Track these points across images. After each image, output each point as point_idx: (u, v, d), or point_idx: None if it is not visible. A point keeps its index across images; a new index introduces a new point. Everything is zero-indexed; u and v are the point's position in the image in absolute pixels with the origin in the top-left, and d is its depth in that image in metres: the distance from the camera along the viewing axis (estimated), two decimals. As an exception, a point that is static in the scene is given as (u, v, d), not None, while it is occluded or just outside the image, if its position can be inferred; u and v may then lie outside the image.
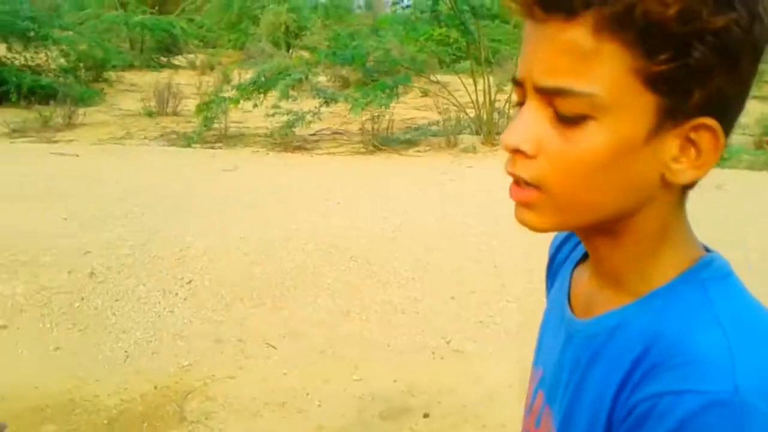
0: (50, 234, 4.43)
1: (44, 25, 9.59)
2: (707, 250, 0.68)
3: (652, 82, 0.56)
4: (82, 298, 3.70)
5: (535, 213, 0.62)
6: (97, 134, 7.47)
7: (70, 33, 10.60)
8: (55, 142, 7.00)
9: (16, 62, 9.47)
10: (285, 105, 7.46)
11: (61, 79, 9.26)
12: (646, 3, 0.53)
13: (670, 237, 0.64)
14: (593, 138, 0.58)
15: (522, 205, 0.62)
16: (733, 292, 0.63)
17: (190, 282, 3.95)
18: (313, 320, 3.60)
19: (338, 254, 4.26)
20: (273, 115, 7.40)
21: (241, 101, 7.30)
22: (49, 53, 9.86)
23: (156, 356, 3.26)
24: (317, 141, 7.71)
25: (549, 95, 0.58)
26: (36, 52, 9.73)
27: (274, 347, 3.39)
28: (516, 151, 0.60)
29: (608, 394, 0.62)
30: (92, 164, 6.20)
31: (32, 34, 9.43)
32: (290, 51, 15.42)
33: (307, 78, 8.01)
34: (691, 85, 0.56)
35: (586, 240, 0.69)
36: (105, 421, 2.79)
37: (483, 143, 8.06)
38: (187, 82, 10.34)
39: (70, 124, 7.71)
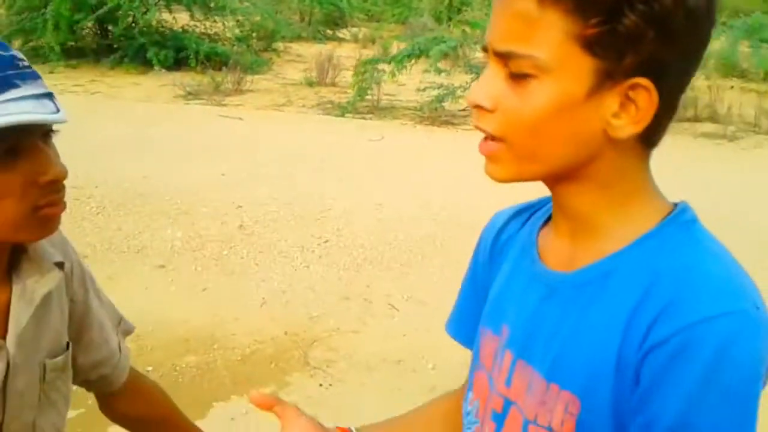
0: (209, 188, 4.88)
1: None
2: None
3: (588, 46, 0.62)
4: (231, 247, 4.06)
5: (498, 165, 0.70)
6: (261, 100, 7.97)
7: (246, 4, 11.30)
8: (224, 105, 7.56)
9: (197, 30, 10.27)
10: (437, 79, 7.57)
11: (234, 47, 9.88)
12: None
13: (637, 188, 0.71)
14: (539, 95, 0.65)
15: (488, 158, 0.70)
16: (706, 233, 0.70)
17: (326, 241, 4.20)
18: (436, 289, 3.71)
19: (469, 228, 4.33)
20: (424, 90, 7.53)
21: (396, 72, 7.50)
22: (225, 23, 10.57)
23: (289, 305, 3.51)
24: (465, 117, 7.75)
25: (503, 58, 0.66)
26: (214, 21, 10.48)
27: (396, 309, 3.54)
28: (477, 107, 0.68)
29: (613, 336, 0.66)
30: (253, 128, 6.66)
31: (212, 4, 10.20)
32: (450, 26, 15.45)
33: (461, 46, 8.03)
34: (623, 48, 0.62)
35: (556, 194, 0.74)
36: (239, 358, 3.07)
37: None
38: (348, 54, 10.70)
39: (238, 90, 8.26)
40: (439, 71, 7.71)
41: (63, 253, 1.01)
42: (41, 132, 0.84)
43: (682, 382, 0.60)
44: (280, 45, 11.88)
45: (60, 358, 1.02)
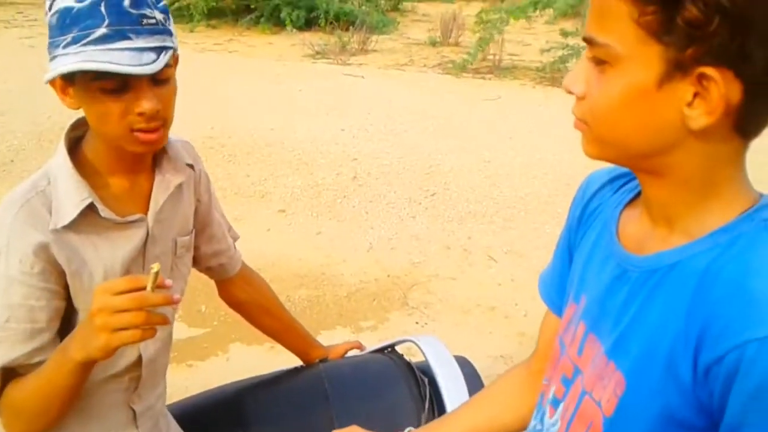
0: (328, 141, 5.18)
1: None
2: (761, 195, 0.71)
3: (654, 33, 0.62)
4: (344, 196, 4.34)
5: (586, 142, 0.73)
6: (385, 60, 8.19)
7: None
8: (349, 64, 7.84)
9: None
10: (562, 39, 7.46)
11: (363, 7, 10.14)
12: None
13: (723, 181, 0.68)
14: (613, 83, 0.66)
15: (582, 134, 0.73)
16: None
17: (433, 195, 4.41)
18: (536, 243, 3.83)
19: (575, 188, 4.38)
20: (549, 50, 7.45)
21: (514, 19, 7.39)
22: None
23: (393, 251, 3.74)
24: (588, 78, 7.60)
25: (589, 44, 0.68)
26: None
27: (495, 260, 3.70)
28: (570, 92, 0.71)
29: (669, 332, 0.67)
30: (374, 86, 6.90)
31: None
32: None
33: (585, 3, 7.83)
34: (685, 37, 0.61)
35: (639, 179, 0.75)
36: (345, 294, 3.33)
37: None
38: (476, 13, 10.66)
39: (363, 50, 8.52)
40: (565, 33, 7.59)
41: (194, 160, 1.31)
42: (150, 75, 1.05)
43: (737, 401, 0.61)
44: (407, 5, 12.00)
45: (187, 237, 1.31)
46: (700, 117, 0.63)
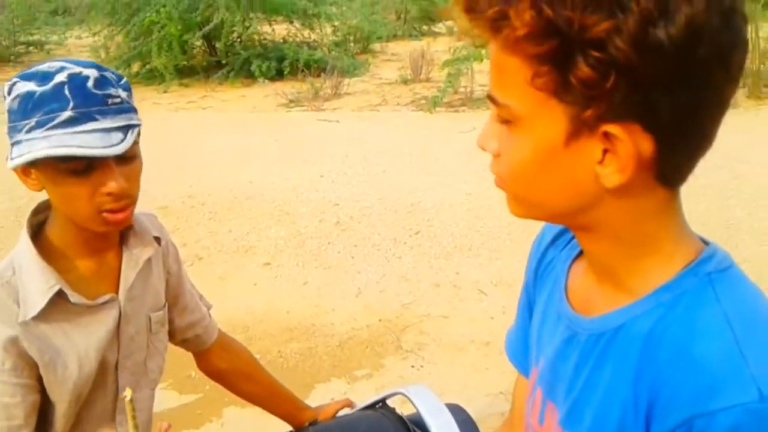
0: (308, 189, 5.17)
1: (319, 3, 10.71)
2: (705, 242, 0.67)
3: (553, 92, 0.58)
4: (329, 243, 4.31)
5: (509, 201, 0.69)
6: (358, 102, 8.25)
7: (343, 8, 11.65)
8: (323, 110, 7.89)
9: (296, 39, 10.72)
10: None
11: (332, 52, 10.24)
12: (507, 30, 0.58)
13: (658, 235, 0.64)
14: (519, 142, 0.63)
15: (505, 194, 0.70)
16: (737, 284, 0.63)
17: (417, 233, 4.39)
18: (524, 272, 3.81)
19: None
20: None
21: (484, 57, 7.53)
22: (322, 29, 10.97)
23: (382, 294, 3.70)
24: (560, 101, 7.70)
25: (493, 104, 0.64)
26: (312, 29, 10.89)
27: (485, 294, 3.67)
28: (485, 150, 0.68)
29: (618, 402, 0.63)
30: (349, 129, 6.93)
31: (310, 12, 10.60)
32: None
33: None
34: (586, 95, 0.57)
35: (575, 235, 0.71)
36: (337, 344, 3.27)
37: (748, 97, 7.37)
38: (443, 48, 10.80)
39: (336, 94, 8.58)
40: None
41: (160, 232, 1.30)
42: (114, 155, 1.05)
43: None
44: (376, 46, 12.16)
45: (161, 312, 1.30)
46: (612, 175, 0.60)
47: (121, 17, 9.93)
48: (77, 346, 1.12)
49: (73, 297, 1.11)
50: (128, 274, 1.20)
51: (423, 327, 3.39)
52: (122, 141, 1.03)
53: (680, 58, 0.55)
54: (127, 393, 0.92)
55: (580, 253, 0.77)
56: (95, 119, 1.02)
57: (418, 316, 3.48)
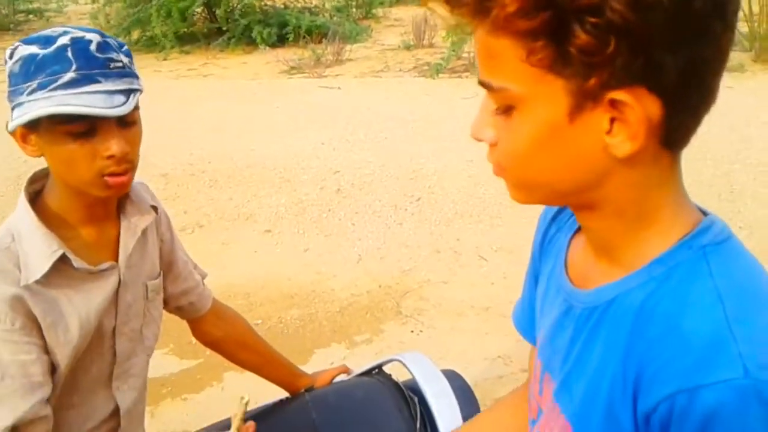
0: (309, 156, 5.15)
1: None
2: (704, 213, 0.66)
3: (550, 68, 0.57)
4: (329, 210, 4.31)
5: (511, 189, 0.68)
6: (360, 68, 8.17)
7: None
8: (325, 76, 7.82)
9: (297, 5, 10.60)
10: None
11: (334, 18, 10.13)
12: (496, 9, 0.56)
13: (659, 205, 0.63)
14: (520, 126, 0.61)
15: (505, 181, 0.68)
16: (733, 257, 0.62)
17: (418, 199, 4.38)
18: (526, 237, 3.74)
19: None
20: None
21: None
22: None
23: (383, 260, 3.71)
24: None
25: (486, 89, 0.62)
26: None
27: (485, 259, 3.67)
28: (480, 141, 0.65)
29: (607, 377, 0.63)
30: (351, 96, 6.88)
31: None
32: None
33: None
34: (586, 64, 0.55)
35: (576, 214, 0.70)
36: (337, 309, 3.29)
37: (755, 61, 7.28)
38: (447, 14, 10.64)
39: (338, 60, 8.49)
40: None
41: (154, 201, 1.31)
42: (116, 118, 1.06)
43: None
44: (379, 11, 11.99)
45: (157, 280, 1.31)
46: (623, 143, 0.58)
47: (121, -17, 9.83)
48: (79, 310, 1.13)
49: (77, 262, 1.11)
50: (127, 242, 1.20)
51: (423, 293, 3.40)
52: (124, 103, 1.03)
53: (678, 12, 0.53)
54: (245, 397, 0.90)
55: (580, 227, 0.76)
56: (98, 81, 1.02)
57: (418, 282, 3.49)
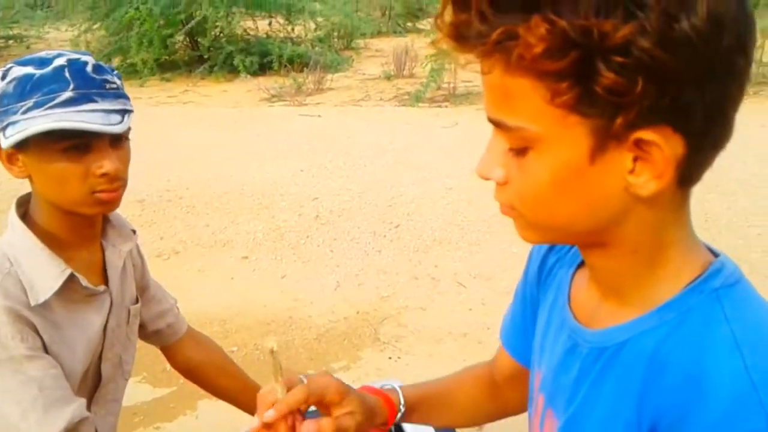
0: (288, 183, 5.14)
1: (303, -1, 10.70)
2: (713, 252, 0.65)
3: (574, 108, 0.55)
4: (308, 237, 4.29)
5: (521, 229, 0.65)
6: (341, 97, 8.22)
7: (326, 5, 11.62)
8: (305, 105, 7.85)
9: (280, 35, 10.68)
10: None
11: (316, 48, 10.22)
12: (519, 49, 0.53)
13: (671, 245, 0.62)
14: (537, 167, 0.58)
15: (514, 221, 0.66)
16: (745, 300, 0.60)
17: (397, 226, 4.37)
18: (504, 265, 3.80)
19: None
20: (500, 73, 7.55)
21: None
22: (305, 25, 10.93)
23: (361, 287, 3.69)
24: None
25: (499, 128, 0.60)
26: (295, 25, 10.85)
27: (464, 286, 3.66)
28: (487, 179, 0.63)
29: (624, 416, 0.61)
30: (331, 124, 6.91)
31: (293, 9, 10.57)
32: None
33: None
34: (610, 106, 0.54)
35: (583, 252, 0.68)
36: (314, 336, 3.25)
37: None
38: (427, 45, 10.75)
39: (319, 89, 8.55)
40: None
41: (132, 226, 1.32)
42: (109, 137, 1.08)
43: None
44: (360, 42, 12.13)
45: (138, 305, 1.32)
46: (647, 183, 0.57)
47: (101, 11, 9.84)
48: (82, 336, 1.14)
49: (83, 281, 1.12)
50: (114, 265, 1.21)
51: (401, 319, 3.38)
52: (120, 122, 1.07)
53: (707, 49, 0.52)
54: (273, 345, 0.85)
55: (583, 261, 0.74)
56: (95, 101, 1.05)
57: (396, 309, 3.47)
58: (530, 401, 0.82)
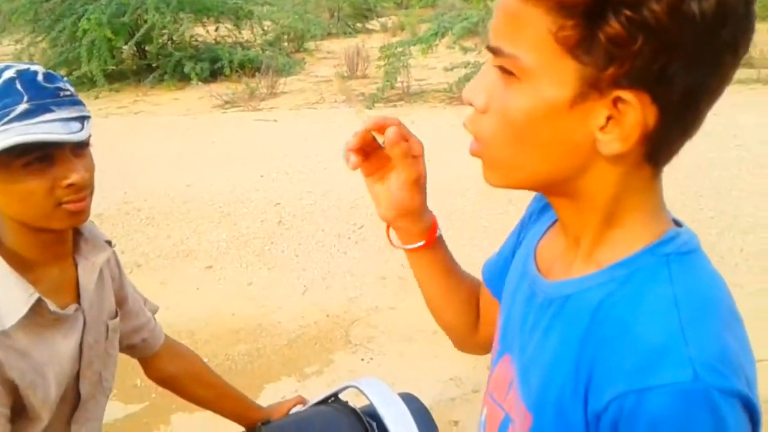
0: (248, 189, 5.10)
1: (250, 3, 10.58)
2: (678, 224, 0.66)
3: (569, 49, 0.56)
4: (272, 242, 4.26)
5: (487, 168, 0.66)
6: (295, 101, 8.18)
7: (275, 8, 11.52)
8: (259, 110, 7.79)
9: (229, 40, 10.57)
10: (464, 58, 7.64)
11: (266, 52, 10.13)
12: None
13: (634, 208, 0.63)
14: (519, 98, 0.60)
15: (478, 157, 0.66)
16: (695, 269, 0.62)
17: (361, 227, 4.38)
18: (467, 260, 3.80)
19: (496, 199, 4.45)
20: (452, 69, 7.62)
21: (422, 52, 7.58)
22: (254, 29, 10.84)
23: (329, 290, 3.68)
24: (496, 92, 7.79)
25: (494, 54, 0.61)
26: (243, 29, 10.74)
27: (431, 283, 3.69)
28: (471, 104, 0.64)
29: (561, 371, 0.63)
30: (288, 128, 6.87)
31: (240, 13, 10.47)
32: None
33: (484, 21, 8.06)
34: (606, 56, 0.55)
35: (551, 201, 0.70)
36: (285, 342, 3.24)
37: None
38: (379, 45, 10.81)
39: (272, 93, 8.49)
40: (465, 50, 7.78)
41: (107, 237, 1.27)
42: (71, 146, 1.04)
43: None
44: (311, 44, 12.08)
45: (116, 319, 1.27)
46: (612, 142, 0.59)
47: (45, 23, 9.60)
48: (53, 362, 1.10)
49: (52, 305, 1.08)
50: (87, 281, 1.17)
51: (371, 320, 3.39)
52: (81, 129, 1.03)
53: (706, 34, 0.55)
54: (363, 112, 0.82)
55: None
56: (51, 110, 1.01)
57: (365, 310, 3.48)
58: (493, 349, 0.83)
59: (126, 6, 9.15)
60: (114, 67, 9.53)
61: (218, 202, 4.88)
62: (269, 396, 2.87)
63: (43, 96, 1.01)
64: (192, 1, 9.69)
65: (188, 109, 8.11)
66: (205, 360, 3.06)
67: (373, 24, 15.24)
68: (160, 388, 1.53)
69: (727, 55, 0.57)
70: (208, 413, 2.58)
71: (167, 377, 1.48)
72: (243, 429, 1.56)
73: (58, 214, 1.05)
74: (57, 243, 1.13)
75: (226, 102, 8.13)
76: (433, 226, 0.94)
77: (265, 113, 7.59)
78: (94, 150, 1.15)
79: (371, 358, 3.10)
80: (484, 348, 0.98)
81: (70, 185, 1.04)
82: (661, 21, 0.53)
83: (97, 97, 8.76)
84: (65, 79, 1.09)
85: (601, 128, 0.58)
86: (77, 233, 1.19)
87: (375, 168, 0.87)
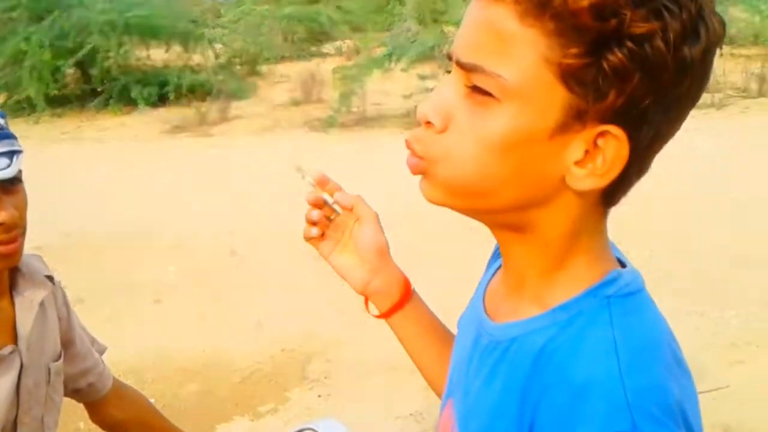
0: (199, 219, 4.98)
1: (201, 26, 10.45)
2: (623, 264, 0.65)
3: (564, 77, 0.54)
4: (224, 274, 4.14)
5: (431, 186, 0.62)
6: (248, 126, 8.06)
7: (225, 31, 11.40)
8: (211, 135, 7.65)
9: (179, 63, 10.39)
10: (420, 83, 7.65)
11: (218, 76, 9.99)
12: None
13: (582, 248, 0.62)
14: (495, 120, 0.56)
15: (420, 174, 0.62)
16: (636, 311, 0.61)
17: (319, 257, 4.25)
18: (430, 291, 3.74)
19: (458, 226, 4.38)
20: (410, 95, 7.62)
21: (374, 71, 7.59)
22: (204, 53, 10.68)
23: (284, 323, 3.57)
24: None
25: (467, 71, 0.57)
26: (193, 52, 10.58)
27: (390, 315, 3.59)
28: (427, 123, 0.59)
29: (508, 414, 0.61)
30: (240, 155, 6.75)
31: (190, 36, 10.31)
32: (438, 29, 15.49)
33: (439, 46, 8.09)
34: (603, 87, 0.54)
35: (498, 237, 0.67)
36: (238, 380, 3.12)
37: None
38: (333, 69, 10.78)
39: (224, 118, 8.36)
40: (422, 77, 7.80)
41: (49, 272, 1.21)
42: (6, 180, 0.99)
43: None
44: (264, 68, 11.99)
45: (59, 362, 1.20)
46: (587, 178, 0.57)
47: (-17, 47, 9.29)
48: None
49: None
50: (24, 320, 1.12)
51: (328, 354, 3.30)
52: (9, 166, 1.00)
53: (688, 80, 0.55)
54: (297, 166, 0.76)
55: None
56: None
57: (322, 343, 3.38)
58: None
59: (70, 29, 8.91)
60: (57, 92, 9.27)
61: (167, 233, 4.74)
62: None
63: None
64: (139, 24, 9.50)
65: (135, 134, 7.92)
66: (153, 401, 2.90)
67: (328, 48, 15.22)
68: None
69: (691, 103, 0.57)
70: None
71: (113, 423, 1.42)
72: None
73: None
74: None
75: (176, 127, 7.98)
76: (405, 278, 0.95)
77: (216, 139, 7.47)
78: (34, 177, 1.07)
79: (329, 394, 3.00)
80: None
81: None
82: (661, 59, 0.53)
83: (37, 122, 8.48)
84: None
85: (577, 162, 0.57)
86: (15, 269, 1.13)
87: (334, 242, 0.91)
